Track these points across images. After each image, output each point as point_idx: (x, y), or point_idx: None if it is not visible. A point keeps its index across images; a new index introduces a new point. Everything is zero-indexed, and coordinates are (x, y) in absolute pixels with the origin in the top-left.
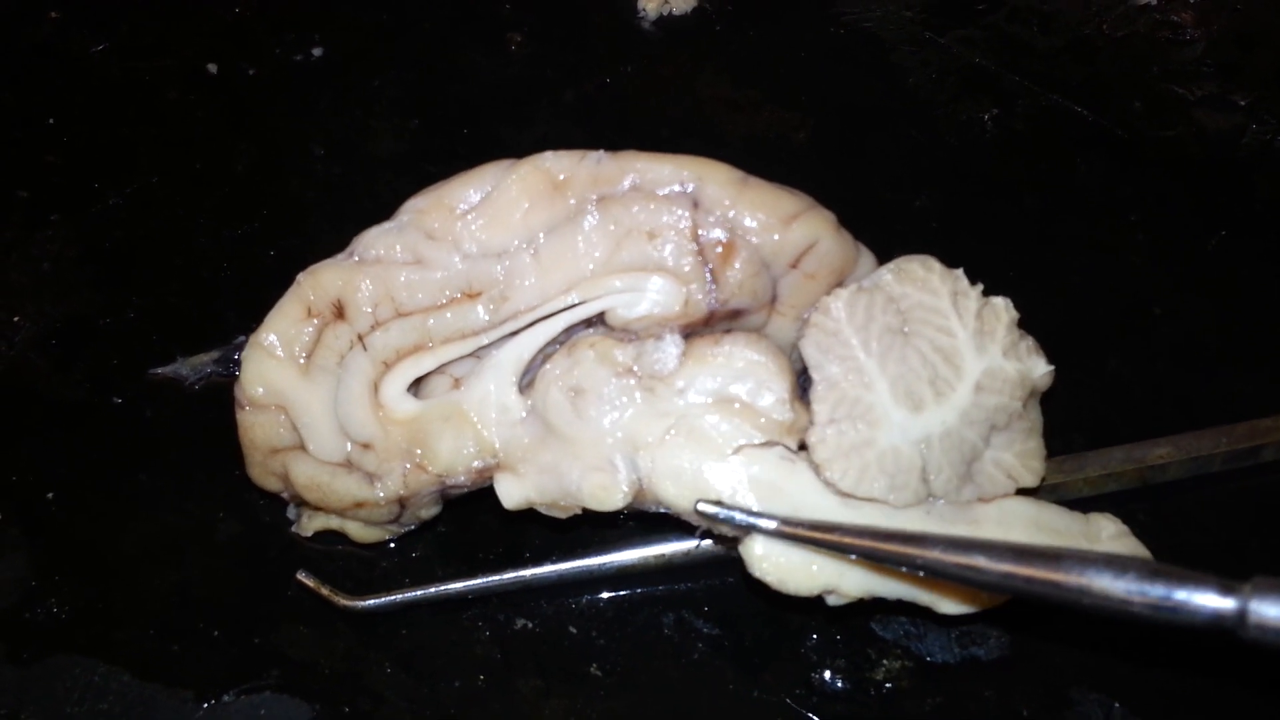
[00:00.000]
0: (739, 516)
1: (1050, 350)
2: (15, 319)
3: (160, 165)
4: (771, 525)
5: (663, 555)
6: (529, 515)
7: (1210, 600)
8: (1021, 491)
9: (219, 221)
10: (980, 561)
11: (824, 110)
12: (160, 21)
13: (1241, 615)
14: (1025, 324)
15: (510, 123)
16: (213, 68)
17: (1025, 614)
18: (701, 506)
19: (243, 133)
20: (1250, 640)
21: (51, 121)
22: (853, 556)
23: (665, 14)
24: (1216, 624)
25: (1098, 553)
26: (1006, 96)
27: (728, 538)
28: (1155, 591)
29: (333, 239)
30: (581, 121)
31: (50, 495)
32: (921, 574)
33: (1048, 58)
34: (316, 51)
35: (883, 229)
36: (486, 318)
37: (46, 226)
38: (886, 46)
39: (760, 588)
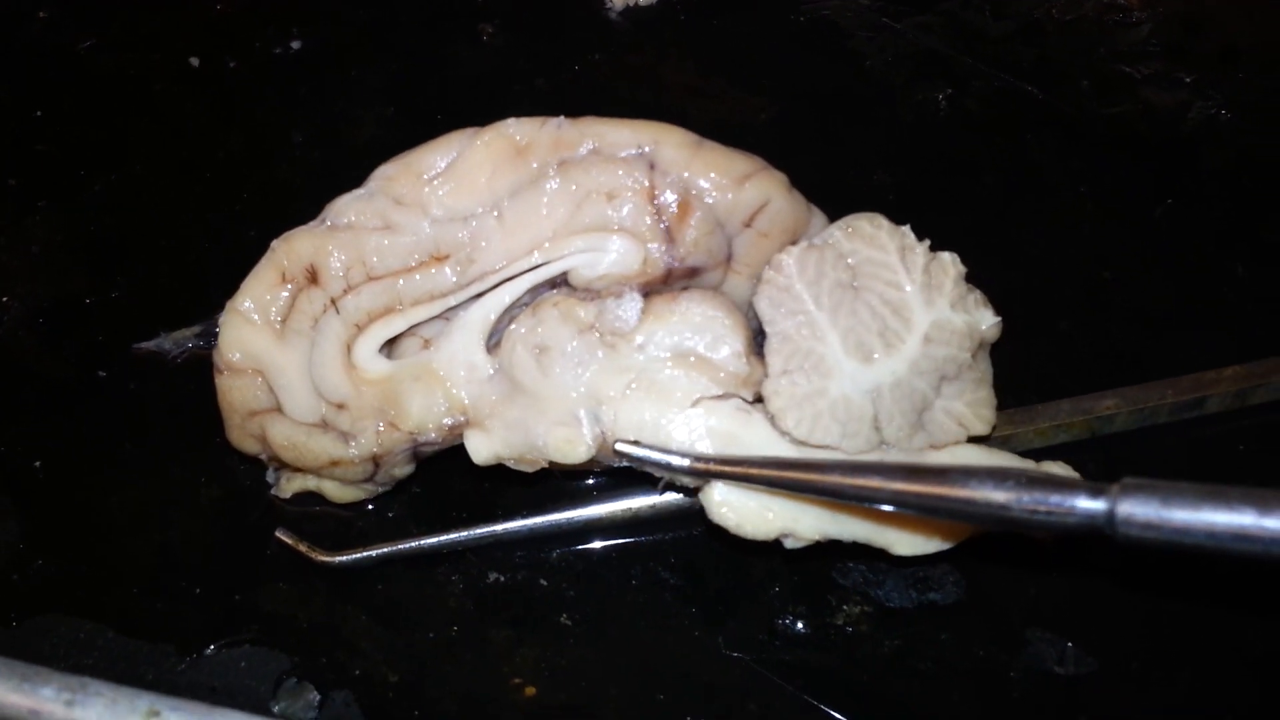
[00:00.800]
0: (655, 455)
1: (1004, 312)
2: (4, 299)
3: (145, 154)
4: (684, 462)
5: (629, 509)
6: (499, 476)
7: (1082, 502)
8: (974, 440)
9: (202, 205)
10: (876, 482)
11: (786, 94)
12: (145, 18)
13: (1110, 515)
14: (981, 289)
15: (484, 110)
16: (195, 61)
17: (980, 559)
18: (619, 446)
19: (226, 122)
20: (1121, 539)
21: (40, 114)
22: (759, 485)
23: (632, 5)
24: (1089, 524)
25: (980, 466)
26: (960, 78)
27: (689, 488)
28: (1031, 497)
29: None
30: (553, 108)
31: (38, 464)
32: (824, 497)
33: (999, 41)
34: (296, 44)
35: (843, 204)
36: (454, 279)
37: (35, 212)
38: (845, 33)
39: (722, 535)
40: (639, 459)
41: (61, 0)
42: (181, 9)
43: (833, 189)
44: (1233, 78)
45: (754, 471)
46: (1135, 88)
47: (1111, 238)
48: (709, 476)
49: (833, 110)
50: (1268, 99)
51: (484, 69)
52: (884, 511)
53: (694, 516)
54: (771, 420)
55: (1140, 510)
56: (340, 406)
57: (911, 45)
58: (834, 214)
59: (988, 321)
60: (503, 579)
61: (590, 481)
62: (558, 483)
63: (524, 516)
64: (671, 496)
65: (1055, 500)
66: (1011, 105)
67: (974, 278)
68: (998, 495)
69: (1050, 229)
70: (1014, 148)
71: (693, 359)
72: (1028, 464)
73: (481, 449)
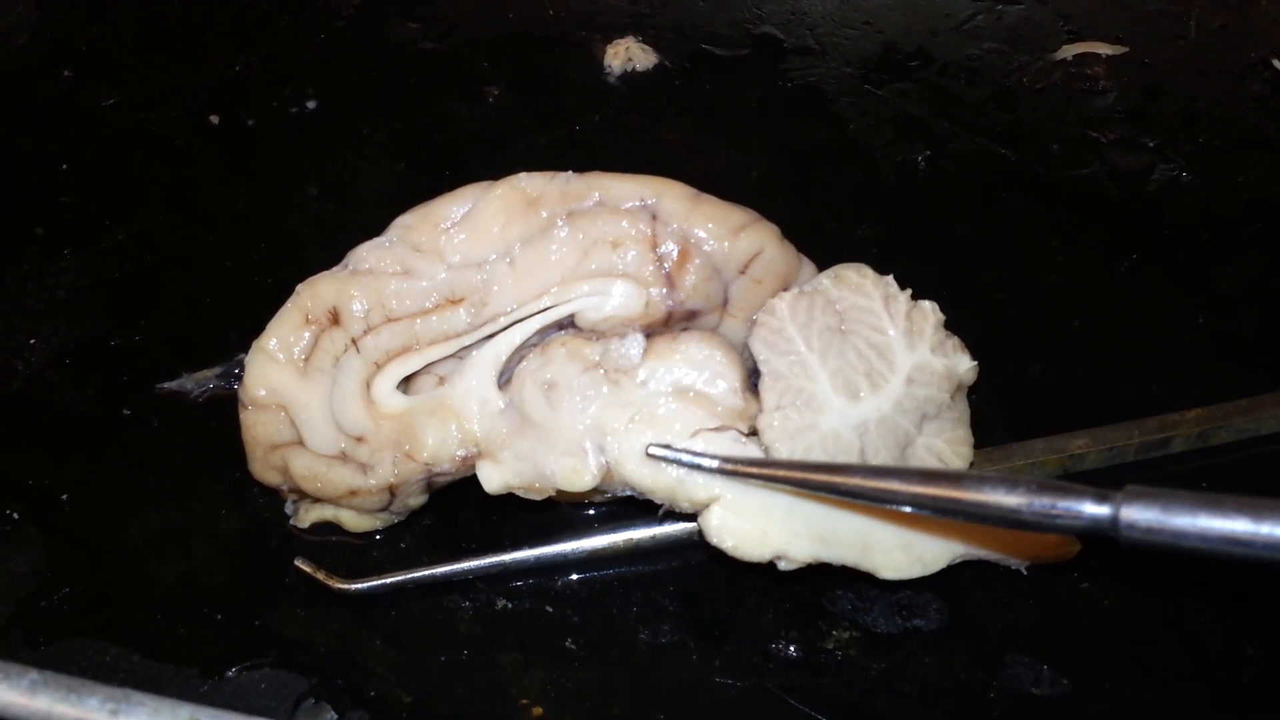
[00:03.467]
0: (684, 457)
1: (981, 357)
2: (32, 341)
3: (166, 205)
4: (714, 464)
5: (630, 539)
6: (506, 508)
7: (1088, 508)
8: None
9: (220, 254)
10: (894, 484)
11: (774, 153)
12: (166, 78)
13: (1114, 519)
14: (958, 335)
15: (489, 164)
16: (215, 119)
17: (961, 588)
18: (651, 450)
19: (242, 175)
20: (1123, 540)
21: (65, 167)
22: (784, 487)
23: (629, 70)
24: (1094, 527)
25: (991, 472)
26: (937, 140)
27: (687, 513)
28: (1042, 502)
29: (326, 268)
30: (555, 164)
31: (64, 497)
32: (846, 499)
33: (974, 107)
34: (311, 104)
35: (829, 254)
36: (468, 321)
37: (60, 259)
38: (829, 98)
39: (719, 558)
40: (670, 460)
41: (86, 60)
42: (201, 70)
43: (819, 241)
44: (1193, 142)
45: (780, 473)
46: (1102, 151)
47: (1080, 289)
48: (736, 477)
49: (818, 168)
50: (1225, 160)
51: (488, 127)
52: (900, 513)
53: (692, 546)
54: (766, 451)
55: (1142, 515)
56: (359, 440)
57: (892, 110)
58: (821, 264)
59: (965, 365)
60: (510, 605)
61: (593, 512)
62: (562, 514)
63: (530, 546)
64: (671, 527)
65: (1064, 505)
66: (986, 166)
67: (952, 325)
68: (1010, 499)
69: (1023, 280)
70: (989, 205)
71: (692, 394)
72: None
73: (493, 478)
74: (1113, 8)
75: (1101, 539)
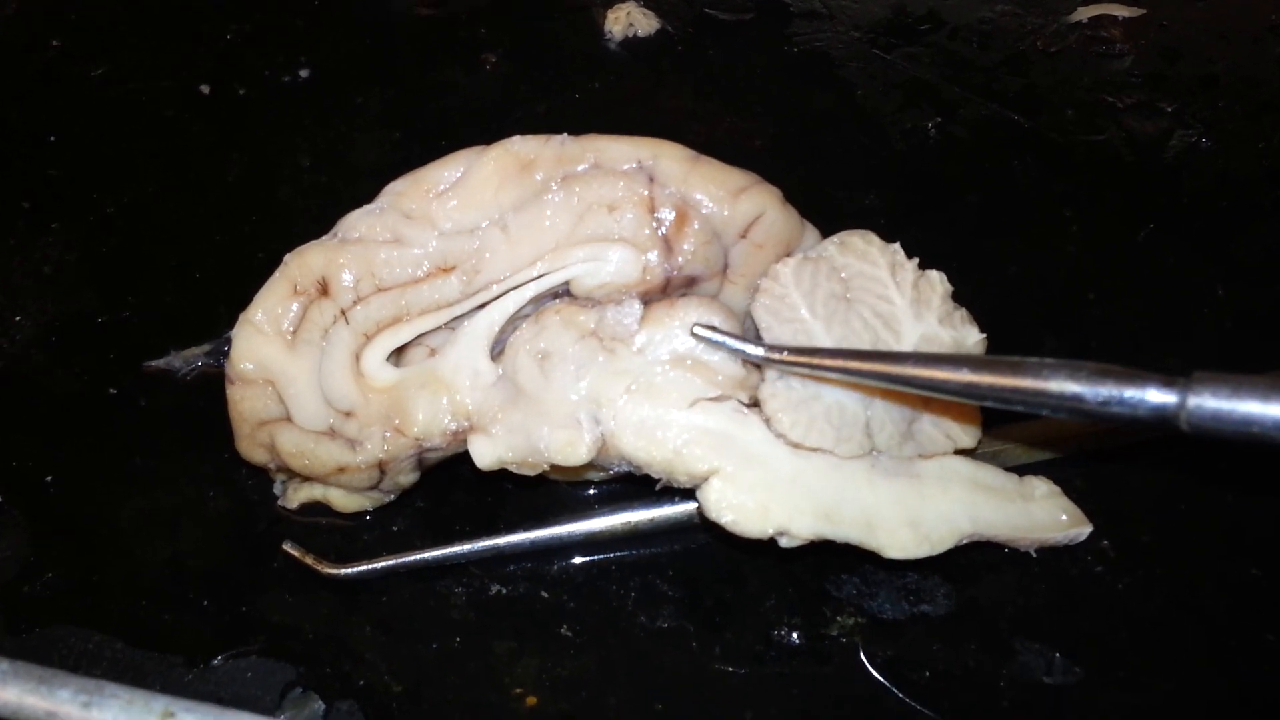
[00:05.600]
0: (730, 341)
1: (991, 331)
2: (17, 318)
3: (155, 177)
4: (759, 351)
5: (628, 522)
6: (501, 490)
7: (1153, 394)
8: (960, 452)
9: (211, 227)
10: (948, 372)
11: (779, 120)
12: (157, 47)
13: (1180, 406)
14: (968, 309)
15: (486, 134)
16: (205, 88)
17: (969, 571)
18: (697, 330)
19: (234, 147)
20: (1188, 430)
21: (53, 139)
22: (832, 376)
23: (630, 35)
24: (1159, 415)
25: (1053, 360)
26: (948, 106)
27: (685, 487)
28: (1105, 388)
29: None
30: (553, 131)
31: (49, 479)
32: (897, 387)
33: (986, 71)
34: (304, 73)
35: (835, 223)
36: (460, 289)
37: (48, 233)
38: (836, 63)
39: (720, 537)
40: (714, 343)
41: (76, 30)
42: (193, 39)
43: (825, 210)
44: (1212, 106)
45: (827, 362)
46: (1118, 116)
47: (1095, 259)
48: (781, 366)
49: (825, 136)
50: (1245, 126)
51: (486, 95)
52: (953, 401)
53: (692, 529)
54: (767, 422)
55: (1210, 402)
56: (348, 414)
57: (901, 75)
58: (827, 232)
59: (973, 338)
60: (504, 591)
61: (591, 492)
62: (558, 496)
63: (525, 530)
64: (670, 508)
65: (1128, 393)
66: (998, 132)
67: (961, 297)
68: (1071, 386)
69: (1036, 251)
70: (1001, 173)
71: (690, 362)
72: (1072, 509)
73: (485, 453)
74: None
75: (1167, 428)
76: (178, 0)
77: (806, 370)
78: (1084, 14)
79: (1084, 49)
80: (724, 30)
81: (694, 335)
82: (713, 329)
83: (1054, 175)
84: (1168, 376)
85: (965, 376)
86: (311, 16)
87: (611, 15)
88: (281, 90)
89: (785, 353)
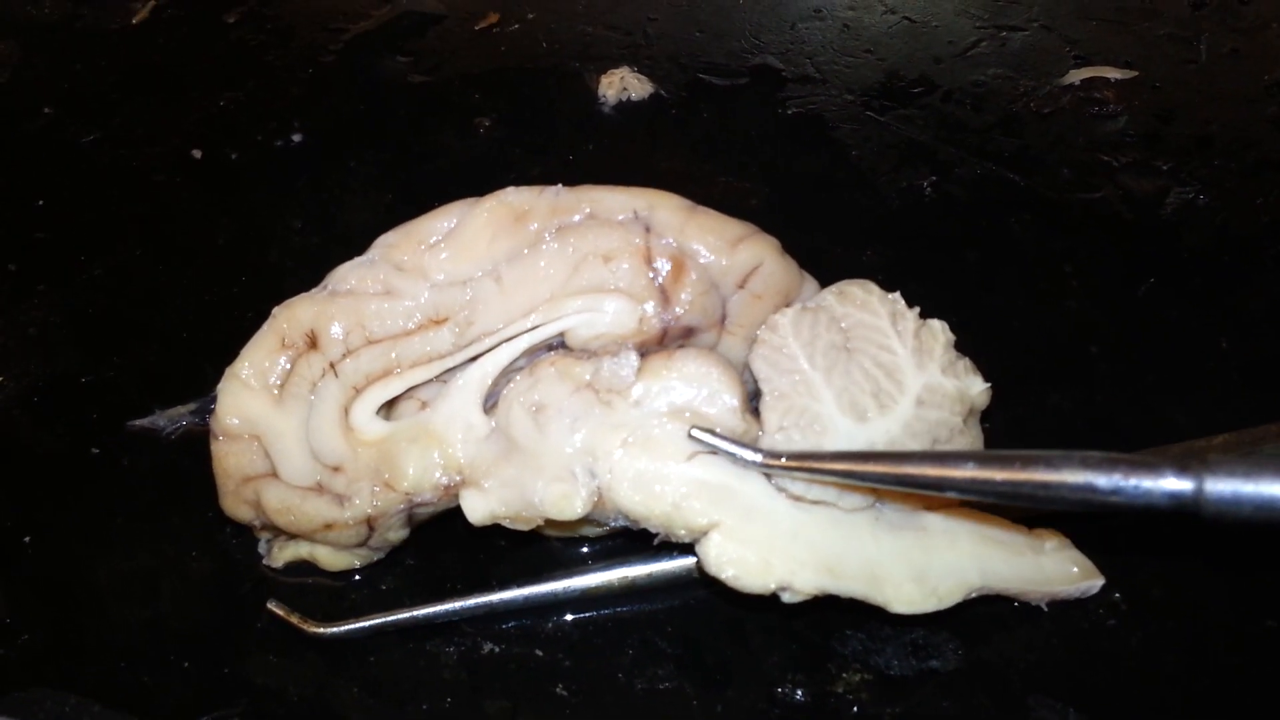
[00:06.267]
0: (726, 445)
1: (995, 384)
2: (0, 379)
3: (144, 240)
4: (756, 457)
5: (625, 578)
6: (494, 546)
7: (1168, 483)
8: (967, 504)
9: (199, 288)
10: (955, 470)
11: (774, 181)
12: (149, 113)
13: (1198, 494)
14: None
15: (478, 195)
16: (197, 153)
17: (979, 626)
18: (694, 433)
19: (224, 210)
20: (1209, 518)
21: (41, 203)
22: (834, 480)
23: (624, 99)
24: (1175, 503)
25: (1061, 451)
26: (943, 166)
27: (684, 542)
28: (1117, 477)
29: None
30: None
31: (27, 539)
32: (903, 488)
33: (980, 132)
34: (296, 137)
35: (833, 280)
36: (453, 341)
37: (33, 295)
38: (830, 125)
39: (721, 595)
40: (711, 446)
41: (68, 98)
42: (185, 106)
43: (823, 266)
44: (1208, 165)
45: (829, 466)
46: (1114, 175)
47: (1096, 314)
48: (780, 472)
49: (820, 195)
50: (1243, 184)
51: (479, 158)
52: (958, 499)
53: (691, 584)
54: (768, 475)
55: (1229, 488)
56: (336, 469)
57: (895, 136)
58: (824, 284)
59: (977, 387)
60: (497, 650)
61: (586, 550)
62: (553, 552)
63: (519, 586)
64: (669, 563)
65: (1144, 482)
66: (995, 191)
67: (965, 351)
68: (1081, 476)
69: (1036, 306)
70: (999, 230)
71: (688, 414)
72: (1083, 562)
73: (478, 508)
74: (1120, 33)
75: (1183, 516)
76: (172, 70)
77: (806, 476)
78: (1076, 76)
79: (1077, 110)
80: (718, 94)
81: (691, 438)
82: (711, 432)
83: (1052, 232)
84: (1182, 462)
85: (973, 474)
86: (305, 83)
87: (605, 80)
88: (274, 154)
89: (784, 459)
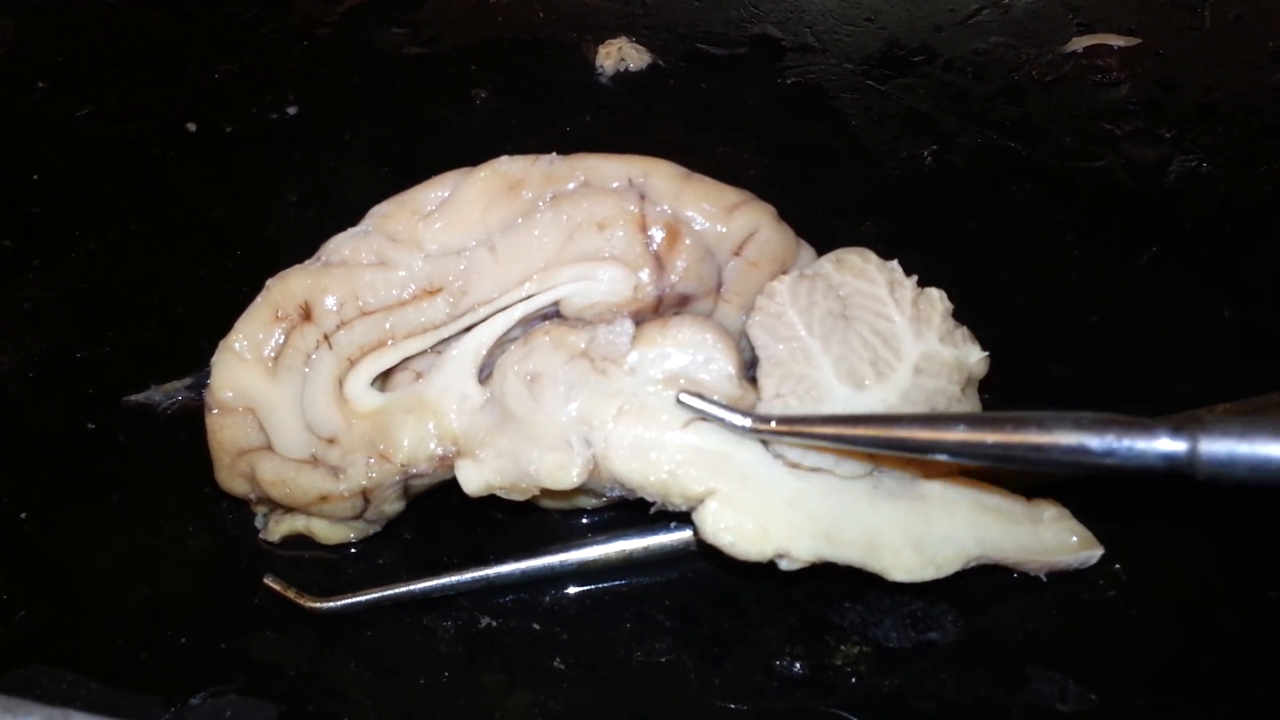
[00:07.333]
0: (714, 409)
1: (995, 355)
2: None
3: (139, 215)
4: (745, 421)
5: (622, 551)
6: (490, 520)
7: (1162, 444)
8: (965, 473)
9: (194, 263)
10: (947, 432)
11: (773, 151)
12: (143, 88)
13: (1192, 455)
14: (971, 332)
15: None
16: (192, 126)
17: (978, 597)
18: (683, 398)
19: (219, 184)
20: (1204, 479)
21: (36, 178)
22: (825, 444)
23: (622, 70)
24: (1170, 465)
25: (1054, 412)
26: (944, 135)
27: (680, 510)
28: (1110, 438)
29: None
30: None
31: (23, 515)
32: (895, 452)
33: (981, 101)
34: (291, 110)
35: (833, 248)
36: (447, 311)
37: (28, 271)
38: (829, 95)
39: (718, 562)
40: (699, 411)
41: (63, 72)
42: (181, 80)
43: (822, 236)
44: (1211, 133)
45: (819, 430)
46: (1117, 143)
47: (1098, 283)
48: (770, 436)
49: (820, 166)
50: (1246, 152)
51: (476, 130)
52: (949, 462)
53: (689, 557)
54: (764, 442)
55: (1224, 447)
56: (331, 441)
57: (896, 106)
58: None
59: (975, 356)
60: (494, 624)
61: (584, 520)
62: (550, 525)
63: (516, 560)
64: (666, 536)
65: (1137, 443)
66: (996, 160)
67: (965, 322)
68: (1073, 437)
69: (1037, 276)
70: (999, 199)
71: (684, 381)
72: (1082, 531)
73: (473, 478)
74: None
75: (1177, 477)
76: (167, 44)
77: (796, 440)
78: (1079, 44)
79: (1080, 78)
80: (716, 64)
81: (679, 402)
82: (699, 396)
83: (1054, 202)
84: (1176, 422)
85: (965, 436)
86: (300, 56)
87: (603, 50)
88: (269, 127)
89: (774, 423)
